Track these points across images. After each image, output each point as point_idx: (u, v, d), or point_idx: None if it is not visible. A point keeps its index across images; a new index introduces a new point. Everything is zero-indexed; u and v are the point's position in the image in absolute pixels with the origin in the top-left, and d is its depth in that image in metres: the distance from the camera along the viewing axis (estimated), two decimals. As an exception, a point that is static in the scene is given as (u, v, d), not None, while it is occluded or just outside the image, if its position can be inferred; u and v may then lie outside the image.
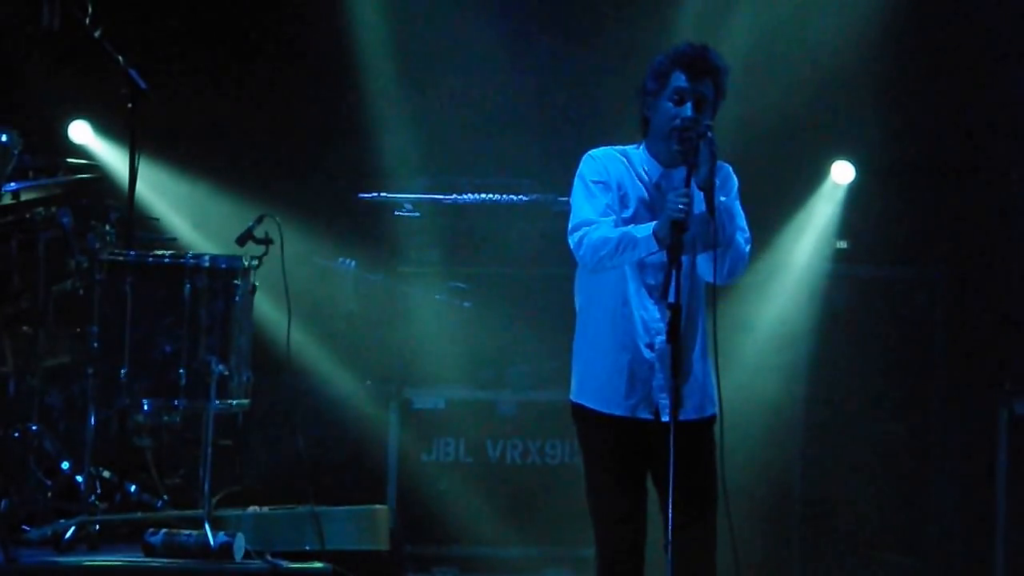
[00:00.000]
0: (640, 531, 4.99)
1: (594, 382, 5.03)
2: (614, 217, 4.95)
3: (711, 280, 4.93)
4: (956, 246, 8.10)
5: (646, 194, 5.00)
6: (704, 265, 4.92)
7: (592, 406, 5.03)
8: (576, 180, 5.04)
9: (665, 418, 4.86)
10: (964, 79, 8.09)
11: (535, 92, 8.32)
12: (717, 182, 4.85)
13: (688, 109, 4.90)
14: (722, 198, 4.85)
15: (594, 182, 4.99)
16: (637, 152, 5.06)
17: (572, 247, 4.98)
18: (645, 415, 4.94)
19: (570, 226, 4.98)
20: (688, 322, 4.91)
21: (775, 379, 7.77)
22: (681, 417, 4.85)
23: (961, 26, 8.01)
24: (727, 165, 5.06)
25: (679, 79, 4.93)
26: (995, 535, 7.62)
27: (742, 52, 7.71)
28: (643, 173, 5.01)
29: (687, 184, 4.79)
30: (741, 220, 5.01)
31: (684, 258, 4.82)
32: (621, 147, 5.08)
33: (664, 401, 4.91)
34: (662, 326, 4.90)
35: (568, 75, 8.33)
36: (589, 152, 5.08)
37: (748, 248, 5.00)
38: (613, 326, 4.97)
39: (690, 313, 4.93)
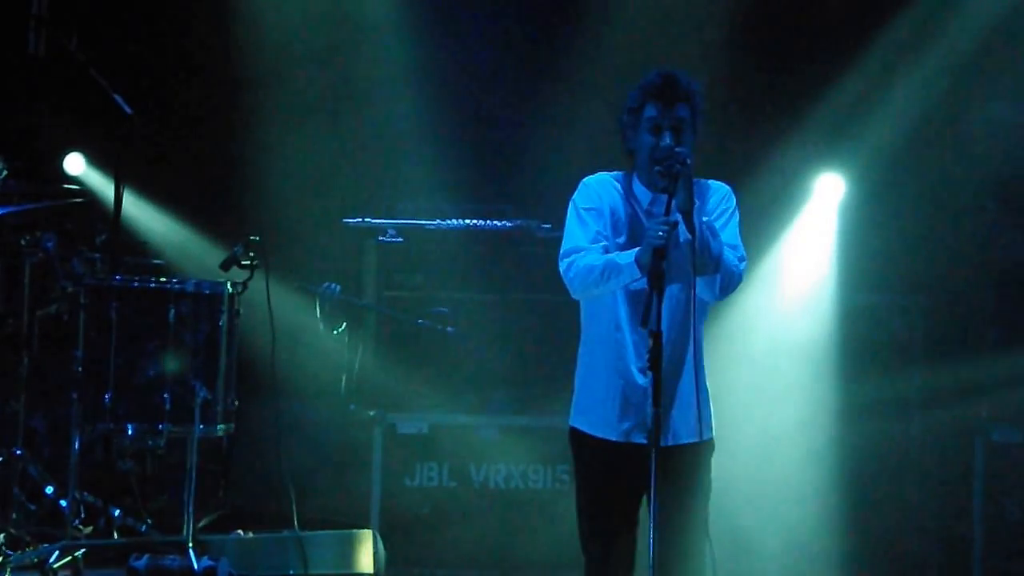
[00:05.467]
0: (628, 556, 5.00)
1: (589, 406, 5.06)
2: (604, 243, 5.00)
3: (706, 299, 4.97)
4: (934, 274, 8.14)
5: (639, 220, 5.03)
6: (698, 284, 4.95)
7: (588, 430, 5.06)
8: (570, 207, 5.08)
9: (662, 443, 4.88)
10: (939, 111, 8.16)
11: (519, 118, 8.36)
12: (701, 203, 4.91)
13: (667, 138, 4.95)
14: (704, 218, 4.89)
15: (585, 209, 5.03)
16: (630, 178, 5.09)
17: (562, 273, 5.01)
18: (640, 440, 4.95)
19: (561, 252, 5.03)
20: (678, 348, 4.95)
21: (753, 404, 7.81)
22: (677, 441, 4.91)
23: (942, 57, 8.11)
24: (726, 186, 5.11)
25: (652, 110, 4.98)
26: (972, 561, 7.65)
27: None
28: (636, 199, 5.05)
29: (667, 211, 4.82)
30: (735, 238, 5.03)
31: (675, 285, 4.87)
32: (617, 172, 5.12)
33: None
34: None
35: (552, 101, 8.37)
36: (584, 179, 5.12)
37: (743, 266, 5.02)
38: (607, 351, 5.00)
39: (680, 339, 4.96)
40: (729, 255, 4.96)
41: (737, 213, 5.07)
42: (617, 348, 4.99)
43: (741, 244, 5.04)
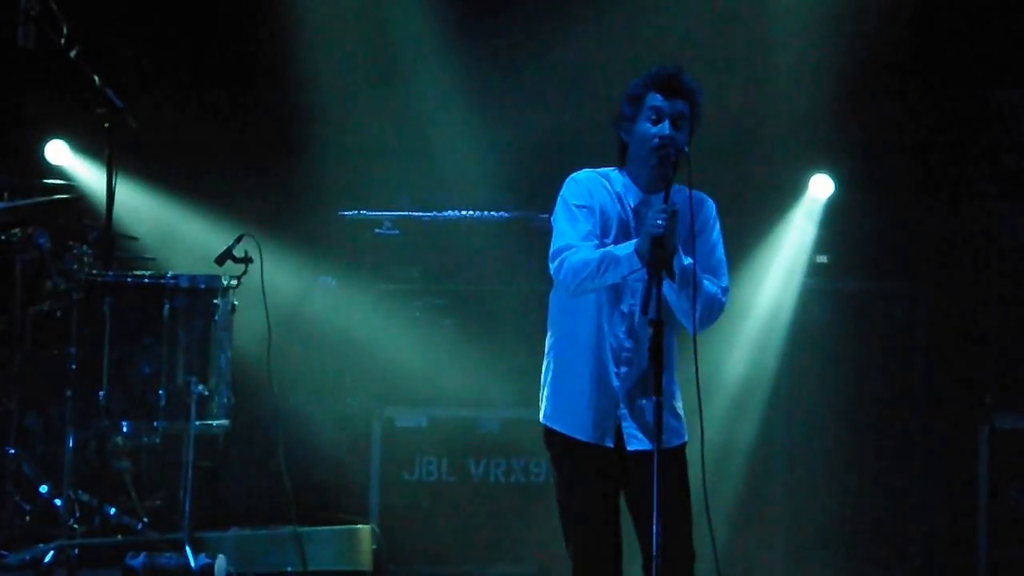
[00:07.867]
0: (614, 554, 4.96)
1: (562, 407, 5.02)
2: (595, 242, 4.92)
3: (687, 329, 4.91)
4: (936, 261, 8.11)
5: (626, 219, 4.97)
6: (678, 316, 4.91)
7: (560, 430, 5.02)
8: (559, 203, 5.00)
9: (629, 447, 4.91)
10: (944, 95, 8.12)
11: (516, 110, 8.33)
12: (697, 224, 4.89)
13: (666, 127, 4.90)
14: (687, 260, 4.82)
15: (577, 206, 4.95)
16: (618, 176, 5.03)
17: (552, 271, 4.94)
18: (608, 443, 4.94)
19: (551, 250, 4.95)
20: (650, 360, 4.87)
21: (755, 397, 7.78)
22: (641, 447, 4.88)
23: (943, 41, 8.07)
24: (709, 201, 5.05)
25: (655, 99, 4.93)
26: (976, 549, 7.63)
27: (718, 62, 7.79)
28: (624, 198, 4.99)
29: (665, 199, 4.77)
30: (721, 267, 4.98)
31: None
32: (603, 169, 5.05)
33: (630, 430, 4.93)
34: (631, 355, 4.93)
35: (549, 94, 8.34)
36: (572, 175, 5.04)
37: (725, 298, 4.96)
38: (583, 353, 4.96)
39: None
40: (710, 287, 4.90)
41: (721, 240, 5.02)
42: (594, 351, 4.95)
43: (726, 274, 5.00)
